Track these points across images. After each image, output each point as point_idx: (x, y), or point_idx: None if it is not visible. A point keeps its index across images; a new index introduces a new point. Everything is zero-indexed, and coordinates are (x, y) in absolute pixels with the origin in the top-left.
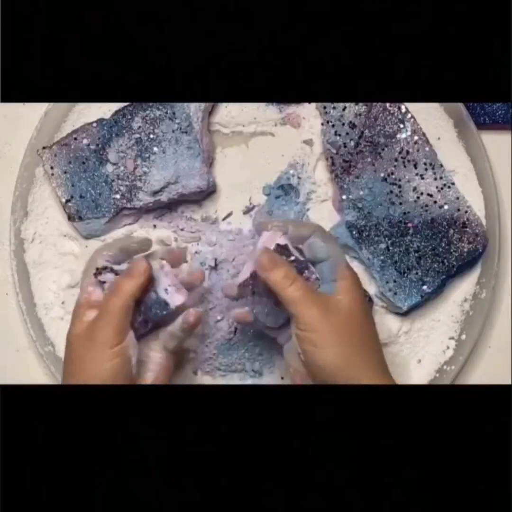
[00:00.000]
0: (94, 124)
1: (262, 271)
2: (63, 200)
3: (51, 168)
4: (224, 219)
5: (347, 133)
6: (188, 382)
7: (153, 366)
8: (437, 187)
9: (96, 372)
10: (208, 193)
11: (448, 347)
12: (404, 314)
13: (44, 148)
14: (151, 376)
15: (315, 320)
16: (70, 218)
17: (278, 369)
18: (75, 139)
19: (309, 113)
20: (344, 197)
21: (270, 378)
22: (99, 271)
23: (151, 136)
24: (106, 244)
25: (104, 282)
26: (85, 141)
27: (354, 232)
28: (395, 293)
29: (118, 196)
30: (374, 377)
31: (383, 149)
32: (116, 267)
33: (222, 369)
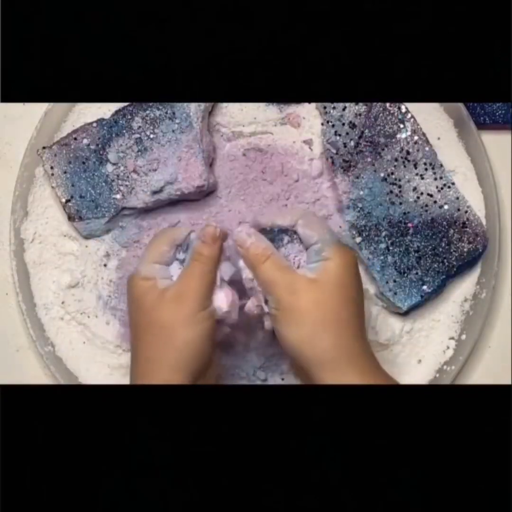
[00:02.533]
0: (94, 124)
1: (239, 249)
2: (63, 200)
3: (51, 168)
4: None
5: (347, 133)
6: None
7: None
8: (437, 187)
9: (189, 335)
10: (208, 193)
11: (448, 347)
12: (404, 314)
13: (44, 148)
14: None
15: (282, 298)
16: (70, 218)
17: (278, 369)
18: (75, 139)
19: (309, 113)
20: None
21: (270, 379)
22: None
23: (151, 136)
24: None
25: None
26: (85, 141)
27: (354, 232)
28: (395, 293)
29: (118, 196)
30: (341, 364)
31: (383, 149)
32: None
33: (221, 374)
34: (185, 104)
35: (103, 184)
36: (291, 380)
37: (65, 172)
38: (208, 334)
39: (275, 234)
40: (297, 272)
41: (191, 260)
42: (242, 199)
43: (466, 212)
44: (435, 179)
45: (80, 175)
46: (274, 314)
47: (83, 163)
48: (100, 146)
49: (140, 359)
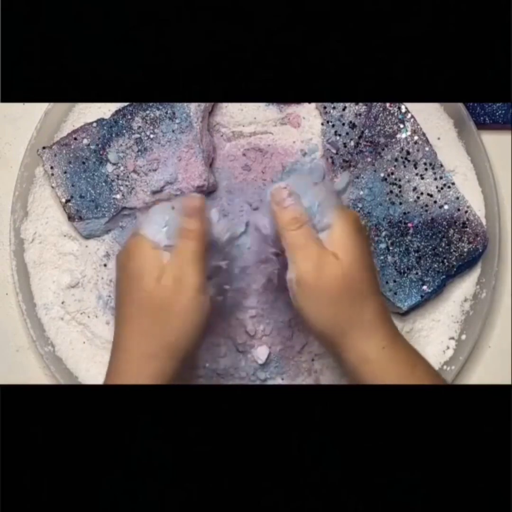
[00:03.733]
0: (94, 124)
1: (274, 205)
2: (63, 200)
3: (51, 168)
4: None
5: (347, 133)
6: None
7: None
8: (437, 187)
9: (187, 321)
10: (208, 192)
11: (448, 347)
12: (404, 314)
13: (44, 148)
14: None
15: (308, 274)
16: (70, 218)
17: (277, 369)
18: (75, 139)
19: (309, 113)
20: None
21: (270, 379)
22: None
23: (151, 136)
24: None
25: None
26: (85, 141)
27: None
28: (395, 293)
29: (118, 196)
30: (362, 335)
31: (383, 149)
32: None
33: (221, 374)
34: (185, 104)
35: (103, 184)
36: (291, 380)
37: (65, 172)
38: (204, 321)
39: None
40: (324, 246)
41: (180, 237)
42: (242, 199)
43: (466, 212)
44: (435, 179)
45: (80, 175)
46: (294, 287)
47: (83, 163)
48: (100, 146)
49: (128, 333)
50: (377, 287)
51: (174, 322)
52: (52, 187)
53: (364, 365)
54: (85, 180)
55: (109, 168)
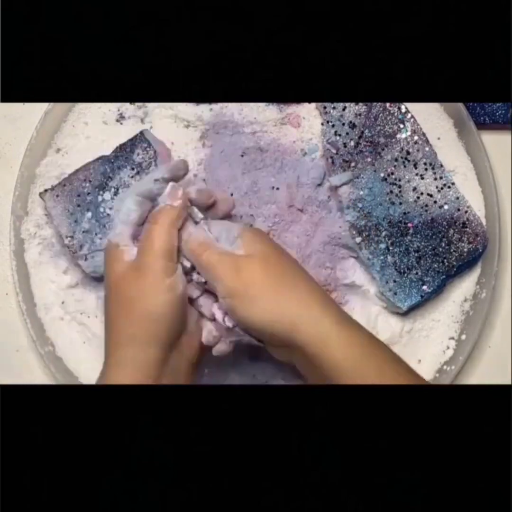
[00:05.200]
0: (94, 163)
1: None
2: (65, 237)
3: (53, 208)
4: None
5: (347, 133)
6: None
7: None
8: (437, 187)
9: (152, 307)
10: None
11: (448, 347)
12: (404, 314)
13: (45, 190)
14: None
15: (233, 281)
16: (75, 253)
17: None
18: (77, 179)
19: (309, 113)
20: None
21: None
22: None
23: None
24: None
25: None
26: (85, 182)
27: (354, 232)
28: (395, 293)
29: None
30: (312, 316)
31: (383, 149)
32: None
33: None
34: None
35: (106, 219)
36: (291, 380)
37: (67, 210)
38: (177, 302)
39: None
40: (237, 254)
41: (147, 223)
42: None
43: (466, 212)
44: (435, 179)
45: (82, 211)
46: (228, 304)
47: (84, 200)
48: (100, 183)
49: (111, 334)
50: (303, 271)
51: (143, 312)
52: (55, 225)
53: (323, 348)
54: (87, 216)
55: (109, 204)
